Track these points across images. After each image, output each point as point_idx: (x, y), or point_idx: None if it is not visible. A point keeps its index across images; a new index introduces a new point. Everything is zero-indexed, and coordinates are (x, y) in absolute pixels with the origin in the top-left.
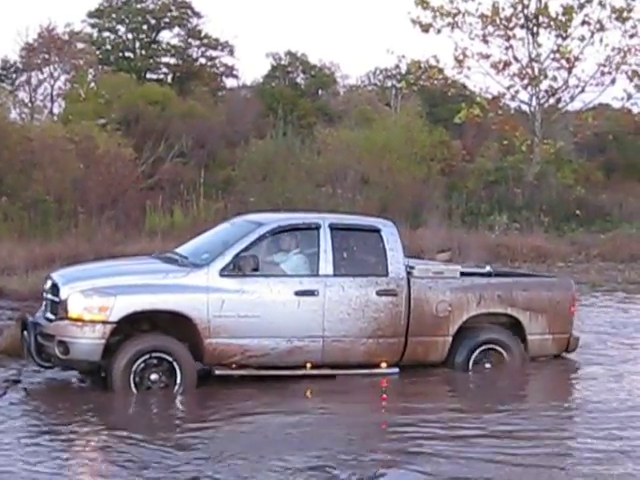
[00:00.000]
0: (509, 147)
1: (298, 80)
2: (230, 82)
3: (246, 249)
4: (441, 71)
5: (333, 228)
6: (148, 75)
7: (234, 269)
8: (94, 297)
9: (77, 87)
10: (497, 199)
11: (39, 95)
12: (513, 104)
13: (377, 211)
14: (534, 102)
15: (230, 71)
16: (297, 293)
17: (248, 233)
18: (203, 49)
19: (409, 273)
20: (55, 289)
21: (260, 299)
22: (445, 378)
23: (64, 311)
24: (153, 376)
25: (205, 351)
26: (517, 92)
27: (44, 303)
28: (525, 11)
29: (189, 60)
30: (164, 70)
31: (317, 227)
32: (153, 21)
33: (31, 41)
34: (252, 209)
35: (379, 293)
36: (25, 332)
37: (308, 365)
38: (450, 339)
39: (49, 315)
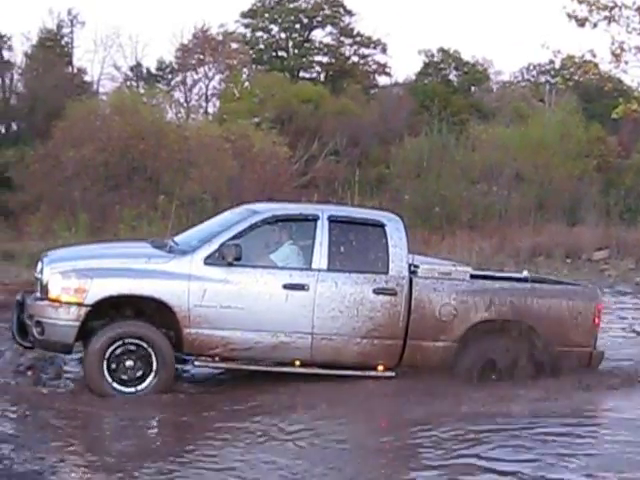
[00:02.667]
0: None
1: (451, 77)
2: (383, 80)
3: (235, 237)
4: (597, 66)
5: (332, 220)
6: (301, 74)
7: (219, 257)
8: (72, 278)
9: (231, 87)
10: None
11: (194, 95)
12: None
13: (533, 208)
14: None
15: (383, 69)
16: (286, 286)
17: (240, 221)
18: (356, 47)
19: (413, 272)
20: (42, 269)
21: (245, 290)
22: None
23: (45, 291)
24: (128, 363)
25: (185, 341)
26: None
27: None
28: None
29: (342, 58)
30: (317, 69)
31: (315, 219)
32: (306, 20)
33: (186, 42)
34: (407, 206)
35: (377, 291)
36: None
37: (297, 363)
38: (454, 345)
39: (37, 295)
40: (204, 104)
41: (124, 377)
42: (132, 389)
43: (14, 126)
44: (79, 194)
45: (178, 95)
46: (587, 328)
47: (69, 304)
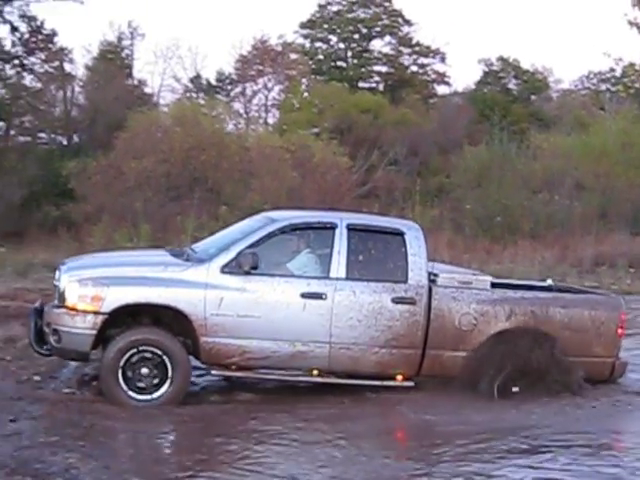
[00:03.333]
0: None
1: (510, 86)
2: (442, 89)
3: (252, 246)
4: None
5: (351, 229)
6: (360, 84)
7: (237, 266)
8: (89, 286)
9: (291, 97)
10: None
11: (253, 106)
12: None
13: (596, 217)
14: None
15: (442, 78)
16: (303, 295)
17: (258, 229)
18: (415, 57)
19: (432, 281)
20: (59, 277)
21: (262, 299)
22: None
23: (62, 299)
24: (144, 370)
25: (201, 350)
26: None
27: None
28: None
29: (401, 68)
30: (376, 78)
31: (333, 227)
32: (364, 30)
33: (245, 53)
34: (468, 216)
35: (395, 300)
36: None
37: (314, 372)
38: (474, 355)
39: (55, 303)
40: (263, 115)
41: (140, 385)
42: (147, 397)
43: (75, 138)
44: (141, 205)
45: (237, 106)
46: (610, 338)
47: (86, 312)
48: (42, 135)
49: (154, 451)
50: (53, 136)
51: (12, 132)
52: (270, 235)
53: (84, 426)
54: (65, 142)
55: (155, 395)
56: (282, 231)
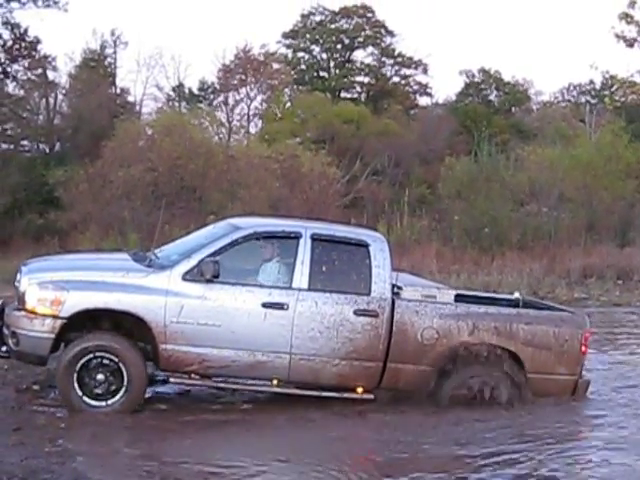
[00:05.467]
0: None
1: (491, 97)
2: (423, 100)
3: (215, 254)
4: None
5: (315, 239)
6: (342, 94)
7: (198, 274)
8: (49, 290)
9: (273, 107)
10: None
11: (236, 115)
12: None
13: (583, 229)
14: None
15: (424, 89)
16: (265, 305)
17: (221, 237)
18: (397, 68)
19: (396, 294)
20: (20, 279)
21: (223, 307)
22: None
23: (22, 302)
24: (99, 376)
25: (160, 357)
26: None
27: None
28: None
29: (383, 79)
30: (358, 89)
31: (297, 236)
32: (347, 41)
33: (228, 62)
34: (456, 227)
35: (357, 313)
36: None
37: (274, 382)
38: (435, 369)
39: (15, 305)
40: (246, 124)
41: (95, 391)
42: (102, 403)
43: (58, 146)
44: (128, 213)
45: (220, 115)
46: (573, 356)
47: (44, 316)
48: (24, 143)
49: (160, 458)
50: (36, 144)
51: None
52: (233, 243)
53: (88, 435)
54: (47, 150)
55: (110, 402)
56: (245, 239)
